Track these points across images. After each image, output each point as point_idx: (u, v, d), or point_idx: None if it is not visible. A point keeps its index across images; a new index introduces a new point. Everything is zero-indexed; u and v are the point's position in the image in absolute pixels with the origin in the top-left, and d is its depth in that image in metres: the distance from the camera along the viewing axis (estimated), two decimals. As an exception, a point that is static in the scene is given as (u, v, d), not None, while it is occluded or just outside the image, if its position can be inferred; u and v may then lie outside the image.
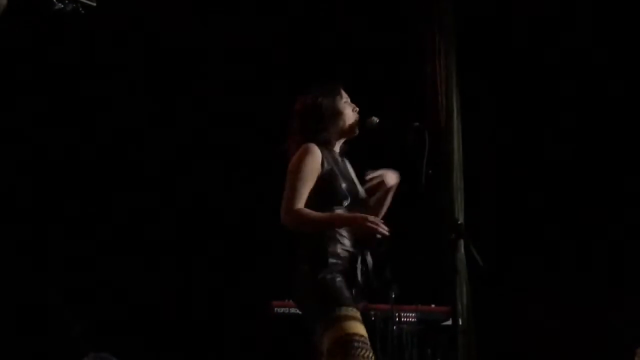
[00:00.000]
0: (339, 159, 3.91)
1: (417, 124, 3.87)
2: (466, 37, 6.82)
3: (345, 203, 3.75)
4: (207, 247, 6.89)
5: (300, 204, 3.64)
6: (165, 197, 6.87)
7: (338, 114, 3.88)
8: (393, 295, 5.08)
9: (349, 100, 3.98)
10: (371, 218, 3.60)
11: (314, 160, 3.71)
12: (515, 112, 6.93)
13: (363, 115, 3.96)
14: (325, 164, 3.75)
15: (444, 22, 6.76)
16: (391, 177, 3.94)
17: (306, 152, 3.70)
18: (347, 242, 3.70)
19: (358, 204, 3.82)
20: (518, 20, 6.82)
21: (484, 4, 6.84)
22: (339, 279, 3.62)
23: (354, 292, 3.65)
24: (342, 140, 3.96)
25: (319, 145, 3.78)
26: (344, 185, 3.76)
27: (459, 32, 6.80)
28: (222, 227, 6.90)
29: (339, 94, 3.95)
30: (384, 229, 3.57)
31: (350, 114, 3.93)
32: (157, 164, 6.84)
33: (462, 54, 6.81)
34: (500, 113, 6.90)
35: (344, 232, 3.72)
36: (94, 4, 3.54)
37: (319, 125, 3.83)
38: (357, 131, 3.94)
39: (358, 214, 3.67)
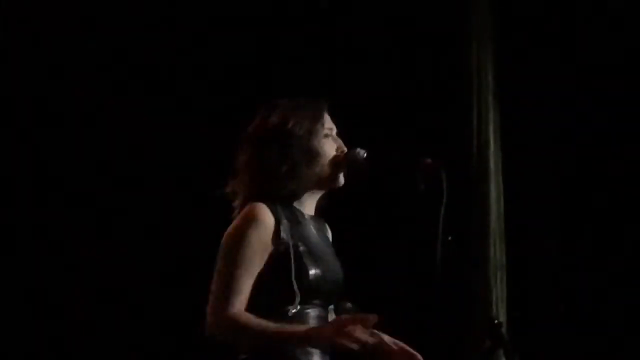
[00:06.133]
0: (310, 223, 3.10)
1: (428, 160, 3.09)
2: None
3: (311, 300, 2.93)
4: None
5: (238, 304, 2.83)
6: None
7: (314, 152, 3.04)
8: None
9: (334, 131, 3.10)
10: (347, 323, 2.76)
11: (262, 233, 2.91)
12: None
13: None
14: (282, 235, 2.95)
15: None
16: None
17: (251, 220, 2.91)
18: None
19: (333, 294, 3.04)
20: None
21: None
22: None
23: None
24: (316, 195, 3.12)
25: (275, 202, 2.97)
26: (312, 271, 2.93)
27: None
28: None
29: (321, 118, 3.07)
30: (367, 339, 2.77)
31: (331, 154, 3.08)
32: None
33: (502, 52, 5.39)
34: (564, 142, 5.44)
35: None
36: None
37: (282, 168, 3.01)
38: (340, 182, 3.11)
39: (324, 328, 2.84)
